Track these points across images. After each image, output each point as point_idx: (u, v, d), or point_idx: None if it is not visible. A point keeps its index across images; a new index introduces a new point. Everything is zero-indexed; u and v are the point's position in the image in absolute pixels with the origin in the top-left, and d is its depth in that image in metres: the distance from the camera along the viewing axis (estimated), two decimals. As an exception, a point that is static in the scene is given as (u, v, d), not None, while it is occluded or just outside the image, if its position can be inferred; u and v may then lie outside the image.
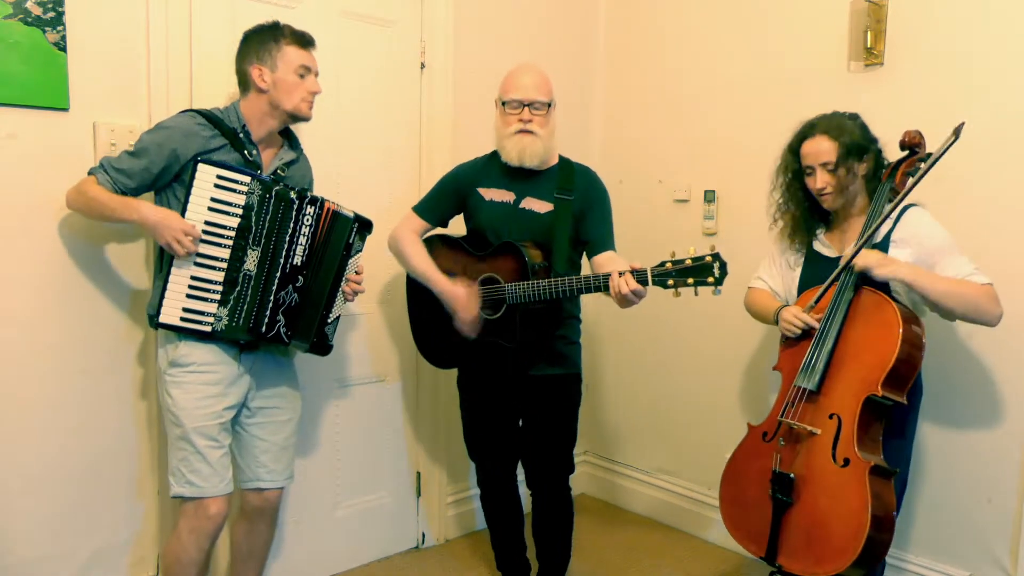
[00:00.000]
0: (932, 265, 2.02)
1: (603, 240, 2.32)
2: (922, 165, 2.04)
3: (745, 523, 2.15)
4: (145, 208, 1.92)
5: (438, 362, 2.54)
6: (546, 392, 2.36)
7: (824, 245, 2.22)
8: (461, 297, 2.28)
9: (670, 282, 1.95)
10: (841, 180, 2.09)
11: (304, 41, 2.08)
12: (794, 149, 2.19)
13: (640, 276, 1.99)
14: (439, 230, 2.53)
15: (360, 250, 2.24)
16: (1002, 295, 2.01)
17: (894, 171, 2.09)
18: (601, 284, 2.04)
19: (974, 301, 1.98)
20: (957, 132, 1.94)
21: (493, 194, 2.37)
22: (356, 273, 2.25)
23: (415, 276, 2.44)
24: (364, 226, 2.23)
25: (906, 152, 2.09)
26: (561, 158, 2.39)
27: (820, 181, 2.11)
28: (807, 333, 2.10)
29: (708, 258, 1.91)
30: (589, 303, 2.57)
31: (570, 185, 2.31)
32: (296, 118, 2.10)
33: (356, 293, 2.27)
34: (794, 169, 2.20)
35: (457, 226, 2.55)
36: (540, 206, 2.32)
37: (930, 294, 1.97)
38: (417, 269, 2.40)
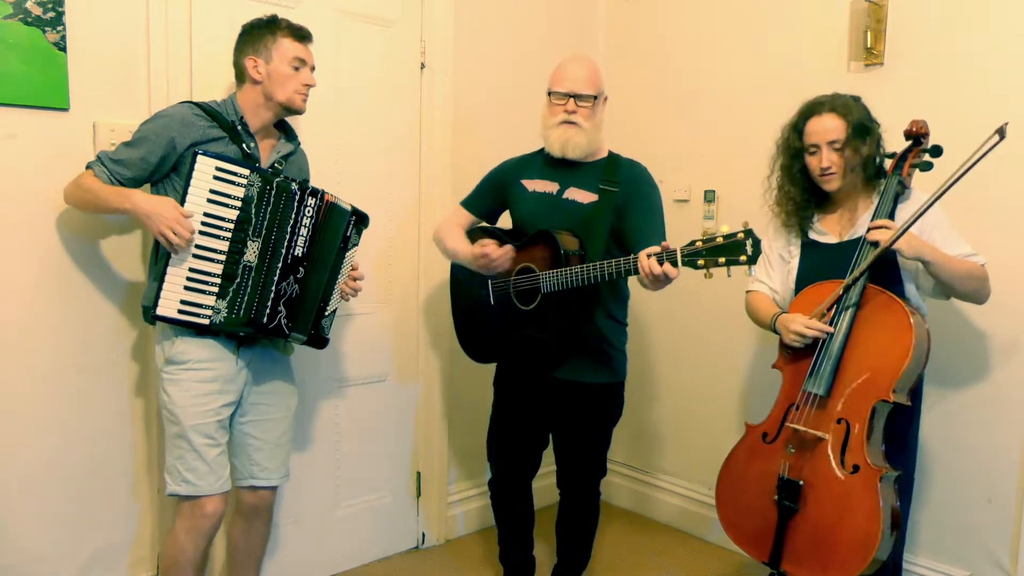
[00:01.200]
0: (930, 239, 2.00)
1: (649, 234, 2.20)
2: (926, 156, 2.04)
3: (744, 526, 2.13)
4: (138, 197, 1.91)
5: (477, 355, 2.52)
6: (581, 401, 2.31)
7: (820, 232, 2.17)
8: (485, 254, 2.21)
9: (700, 262, 1.86)
10: (848, 161, 2.04)
11: (300, 35, 2.07)
12: (798, 127, 2.12)
13: (670, 256, 1.90)
14: (485, 224, 2.52)
15: (356, 244, 2.23)
16: (1003, 294, 2.03)
17: (901, 162, 2.06)
18: (632, 267, 1.97)
19: (979, 284, 2.01)
20: (1001, 132, 1.84)
21: (536, 184, 2.35)
22: (353, 269, 2.24)
23: (448, 255, 2.43)
24: (360, 220, 2.22)
25: (910, 142, 2.06)
26: (610, 152, 2.36)
27: (825, 160, 2.05)
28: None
29: (740, 235, 1.81)
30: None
31: (615, 177, 2.26)
32: (289, 110, 2.10)
33: (356, 291, 2.26)
34: (796, 148, 2.12)
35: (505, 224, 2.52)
36: (584, 196, 2.27)
37: (946, 277, 1.96)
38: (449, 248, 2.39)
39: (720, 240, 1.84)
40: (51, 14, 2.06)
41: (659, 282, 1.94)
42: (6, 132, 2.05)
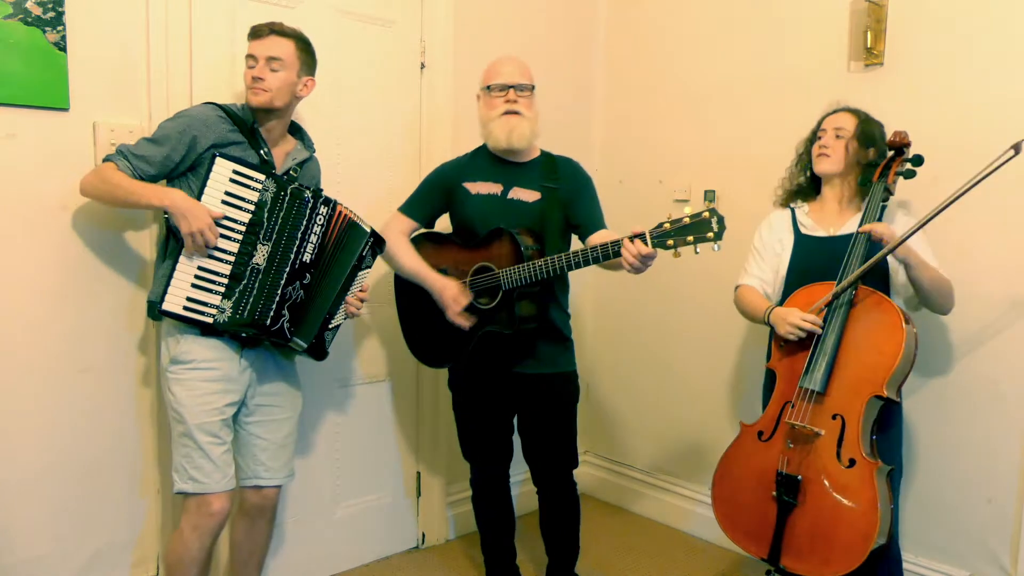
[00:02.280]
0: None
1: (596, 221, 2.37)
2: (908, 164, 2.11)
3: (743, 523, 2.15)
4: (176, 195, 1.94)
5: (430, 361, 2.53)
6: (543, 392, 2.36)
7: (811, 228, 2.25)
8: (452, 289, 2.29)
9: (669, 242, 1.95)
10: (848, 152, 2.15)
11: (252, 31, 2.08)
12: (819, 122, 2.28)
13: (639, 239, 1.98)
14: (425, 229, 2.53)
15: (370, 266, 2.27)
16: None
17: (886, 170, 2.13)
18: (610, 251, 2.04)
19: (949, 294, 2.10)
20: (1017, 148, 1.87)
21: (480, 187, 2.38)
22: (362, 291, 2.27)
23: (405, 275, 2.44)
24: (378, 243, 2.26)
25: (893, 152, 2.14)
26: (542, 151, 2.42)
27: (825, 140, 2.20)
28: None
29: (706, 214, 1.90)
30: (575, 299, 2.56)
31: (555, 174, 2.36)
32: (252, 109, 2.10)
33: (357, 312, 2.28)
34: (810, 138, 2.29)
35: (443, 226, 2.54)
36: (528, 195, 2.34)
37: (924, 282, 2.04)
38: (406, 268, 2.41)
39: (687, 220, 1.93)
40: (51, 14, 2.06)
41: (646, 263, 2.01)
42: (6, 132, 2.05)
